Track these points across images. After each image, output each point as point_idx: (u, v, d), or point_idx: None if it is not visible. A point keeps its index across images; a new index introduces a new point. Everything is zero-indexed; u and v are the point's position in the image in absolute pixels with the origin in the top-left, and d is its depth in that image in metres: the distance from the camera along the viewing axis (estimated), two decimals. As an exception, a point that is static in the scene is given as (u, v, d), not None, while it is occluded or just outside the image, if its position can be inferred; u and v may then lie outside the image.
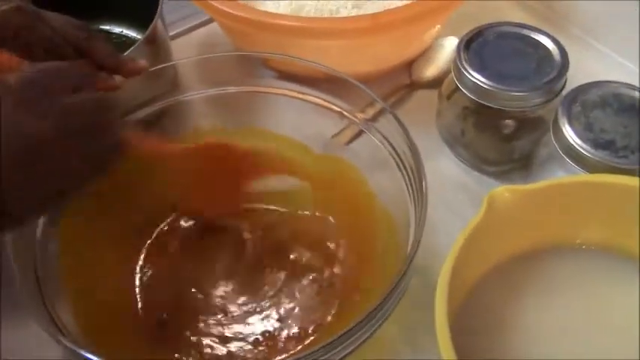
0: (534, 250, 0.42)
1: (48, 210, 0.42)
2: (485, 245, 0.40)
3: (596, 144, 0.46)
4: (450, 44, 0.63)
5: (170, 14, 0.64)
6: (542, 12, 0.70)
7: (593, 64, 0.63)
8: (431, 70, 0.63)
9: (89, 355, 0.35)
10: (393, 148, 0.47)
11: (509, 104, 0.50)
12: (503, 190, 0.40)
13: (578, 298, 0.41)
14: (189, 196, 0.51)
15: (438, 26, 0.61)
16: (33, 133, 0.34)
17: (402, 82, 0.62)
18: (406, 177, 0.45)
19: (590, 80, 0.49)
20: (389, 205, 0.48)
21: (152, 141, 0.46)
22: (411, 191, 0.45)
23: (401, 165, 0.46)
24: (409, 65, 0.64)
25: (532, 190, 0.40)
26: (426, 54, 0.63)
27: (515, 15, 0.69)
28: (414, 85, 0.63)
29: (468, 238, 0.38)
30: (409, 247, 0.42)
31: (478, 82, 0.50)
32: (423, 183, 0.42)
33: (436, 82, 0.61)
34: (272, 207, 0.53)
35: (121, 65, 0.45)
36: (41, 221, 0.43)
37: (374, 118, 0.48)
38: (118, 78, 0.44)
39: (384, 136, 0.47)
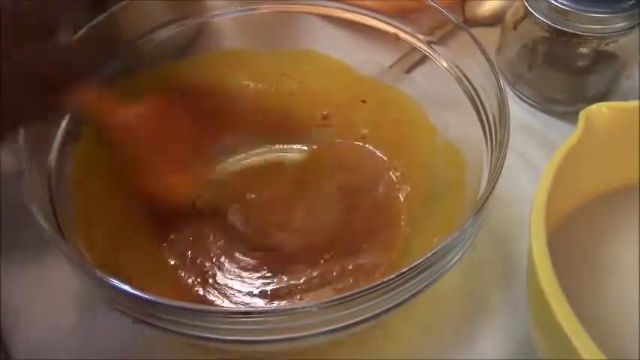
0: (632, 183, 0.36)
1: None
2: (580, 173, 0.34)
3: (696, 68, 0.40)
4: (508, -22, 0.57)
5: None
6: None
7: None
8: (487, 6, 0.56)
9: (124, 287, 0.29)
10: (466, 77, 0.40)
11: (589, 29, 0.44)
12: (602, 107, 0.34)
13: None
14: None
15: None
16: None
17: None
18: (482, 110, 0.39)
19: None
20: (456, 142, 0.41)
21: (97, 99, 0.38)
22: (486, 127, 0.38)
23: (475, 98, 0.40)
24: (462, 2, 0.57)
25: (636, 107, 0.34)
26: (480, -10, 0.57)
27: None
28: (468, 23, 0.56)
29: (562, 161, 0.32)
30: (482, 187, 0.36)
31: (554, 3, 0.44)
32: (506, 114, 0.36)
33: (492, 20, 0.56)
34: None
35: None
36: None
37: (441, 41, 0.41)
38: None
39: (454, 64, 0.41)
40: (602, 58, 0.46)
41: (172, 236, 0.41)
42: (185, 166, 0.42)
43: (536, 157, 0.47)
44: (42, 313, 0.39)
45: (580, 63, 0.47)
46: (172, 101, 0.41)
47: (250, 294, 0.39)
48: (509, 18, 0.50)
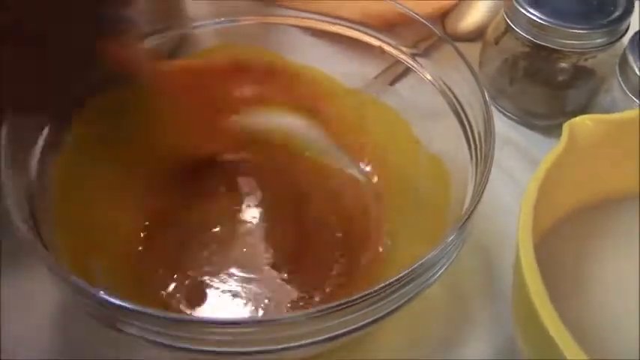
0: (616, 195, 0.36)
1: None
2: (564, 184, 0.34)
3: (674, 84, 0.40)
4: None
5: None
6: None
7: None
8: (467, 22, 0.57)
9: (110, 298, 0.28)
10: (451, 90, 0.40)
11: (568, 44, 0.45)
12: (586, 119, 0.34)
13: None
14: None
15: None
16: None
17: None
18: (467, 125, 0.39)
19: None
20: (440, 156, 0.41)
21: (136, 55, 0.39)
22: (471, 141, 0.38)
23: (460, 111, 0.40)
24: (442, 18, 0.58)
25: (620, 120, 0.34)
26: (461, 5, 0.58)
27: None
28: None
29: (547, 173, 0.32)
30: (466, 200, 0.36)
31: (534, 18, 0.45)
32: (491, 129, 0.36)
33: (473, 36, 0.56)
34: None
35: None
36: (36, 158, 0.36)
37: (426, 54, 0.42)
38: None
39: (438, 77, 0.41)
40: (582, 73, 0.47)
41: (157, 245, 0.41)
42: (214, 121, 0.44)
43: (516, 169, 0.47)
44: (19, 317, 0.38)
45: (560, 78, 0.47)
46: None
47: (231, 305, 0.39)
48: (490, 33, 0.50)
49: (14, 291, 0.39)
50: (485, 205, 0.42)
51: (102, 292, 0.28)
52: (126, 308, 0.28)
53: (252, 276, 0.40)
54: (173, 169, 0.43)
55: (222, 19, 0.46)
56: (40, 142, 0.36)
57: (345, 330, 0.31)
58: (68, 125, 0.37)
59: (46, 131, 0.36)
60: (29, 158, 0.36)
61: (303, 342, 0.30)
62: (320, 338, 0.30)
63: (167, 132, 0.42)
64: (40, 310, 0.39)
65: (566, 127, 0.33)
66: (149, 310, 0.28)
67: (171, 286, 0.39)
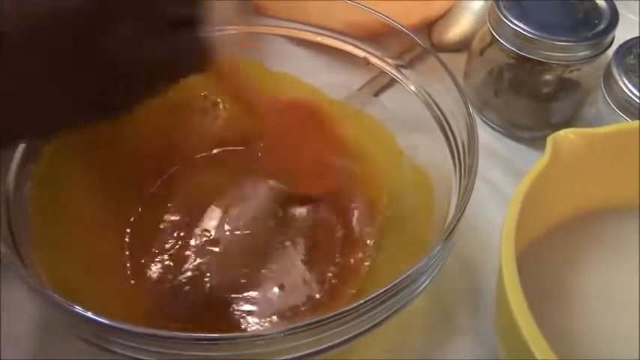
0: (599, 208, 0.36)
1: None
2: (548, 197, 0.34)
3: (657, 97, 0.40)
4: (476, 6, 0.57)
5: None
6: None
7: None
8: (454, 32, 0.57)
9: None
10: (434, 102, 0.40)
11: (553, 56, 0.45)
12: (569, 133, 0.34)
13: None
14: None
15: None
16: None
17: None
18: (450, 136, 0.39)
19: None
20: (425, 167, 0.41)
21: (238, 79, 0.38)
22: (454, 152, 0.38)
23: (444, 123, 0.40)
24: (428, 28, 0.58)
25: (602, 133, 0.34)
26: (448, 16, 0.58)
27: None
28: (435, 49, 0.57)
29: (531, 186, 0.32)
30: (450, 212, 0.35)
31: (519, 30, 0.45)
32: (475, 141, 0.36)
33: (459, 46, 0.56)
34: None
35: None
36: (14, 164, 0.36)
37: (410, 65, 0.42)
38: None
39: (423, 88, 0.41)
40: (566, 86, 0.47)
41: (142, 260, 0.40)
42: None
43: (501, 181, 0.47)
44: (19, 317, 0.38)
45: (545, 90, 0.47)
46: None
47: (216, 318, 0.38)
48: (475, 44, 0.50)
49: (15, 290, 0.38)
50: (471, 216, 0.43)
51: (85, 311, 0.27)
52: (109, 326, 0.27)
53: (238, 287, 0.39)
54: (153, 177, 0.42)
55: (209, 28, 0.46)
56: (18, 155, 0.35)
57: (330, 344, 0.31)
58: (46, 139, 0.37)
59: (22, 146, 0.36)
60: (7, 172, 0.35)
61: (288, 356, 0.30)
62: (306, 352, 0.30)
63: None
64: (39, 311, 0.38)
65: (549, 140, 0.33)
66: (138, 329, 0.27)
67: (157, 298, 0.39)
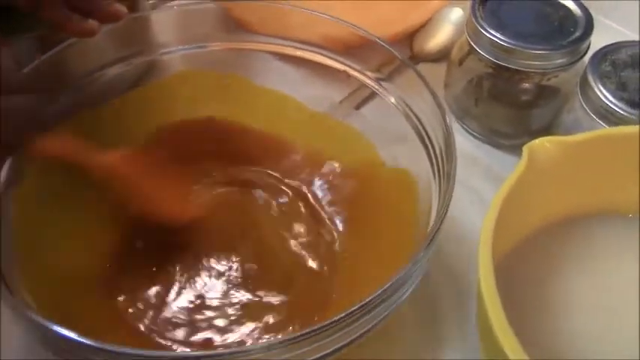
0: (576, 215, 0.37)
1: None
2: (526, 205, 0.34)
3: (632, 103, 0.41)
4: (454, 16, 0.58)
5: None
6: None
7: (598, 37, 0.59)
8: (434, 42, 0.58)
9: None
10: (414, 113, 0.41)
11: (530, 65, 0.46)
12: (544, 141, 0.35)
13: (625, 270, 0.36)
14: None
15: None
16: None
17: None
18: (429, 145, 0.39)
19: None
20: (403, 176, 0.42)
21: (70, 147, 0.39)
22: (433, 160, 0.39)
23: (423, 133, 0.40)
24: (410, 38, 0.59)
25: (577, 141, 0.35)
26: (428, 26, 0.58)
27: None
28: (416, 59, 0.58)
29: (508, 195, 0.33)
30: (432, 219, 0.36)
31: (497, 41, 0.45)
32: (452, 149, 0.36)
33: (439, 56, 0.57)
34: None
35: (98, 7, 0.38)
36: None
37: (389, 78, 0.42)
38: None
39: (402, 100, 0.42)
40: (545, 93, 0.48)
41: (126, 282, 0.40)
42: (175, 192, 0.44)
43: (482, 188, 0.48)
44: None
45: (523, 98, 0.48)
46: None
47: (204, 338, 0.38)
48: (454, 54, 0.51)
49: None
50: (453, 223, 0.43)
51: (71, 333, 0.28)
52: (95, 347, 0.28)
53: (222, 305, 0.40)
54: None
55: (190, 45, 0.47)
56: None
57: (317, 356, 0.31)
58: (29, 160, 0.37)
59: (7, 166, 0.36)
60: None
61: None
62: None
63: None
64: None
65: (525, 149, 0.34)
66: (123, 350, 0.28)
67: (143, 319, 0.39)
